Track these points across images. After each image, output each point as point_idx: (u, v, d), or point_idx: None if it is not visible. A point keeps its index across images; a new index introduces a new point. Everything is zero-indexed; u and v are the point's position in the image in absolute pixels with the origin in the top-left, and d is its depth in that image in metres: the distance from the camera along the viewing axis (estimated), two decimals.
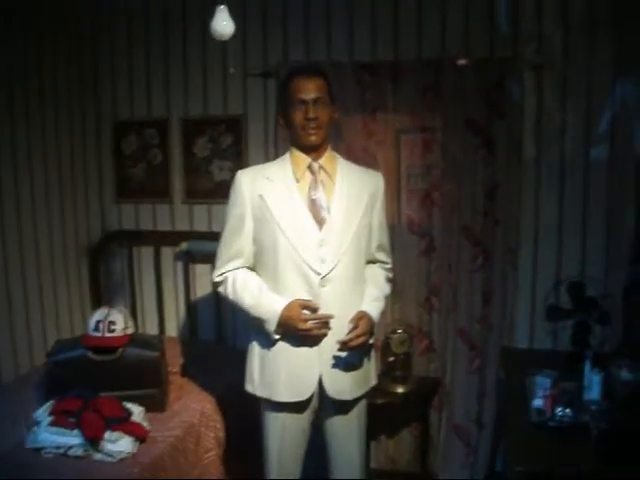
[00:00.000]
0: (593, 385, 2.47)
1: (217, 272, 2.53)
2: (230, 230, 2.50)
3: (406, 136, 3.58)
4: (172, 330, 4.02)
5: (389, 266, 2.70)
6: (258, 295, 2.45)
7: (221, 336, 3.93)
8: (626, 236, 3.16)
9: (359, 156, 3.40)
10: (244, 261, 2.52)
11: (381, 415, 3.33)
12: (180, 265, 3.97)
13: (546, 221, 3.45)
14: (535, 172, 3.44)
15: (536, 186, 3.45)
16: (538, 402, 2.40)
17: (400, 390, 3.47)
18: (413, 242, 3.59)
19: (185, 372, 3.34)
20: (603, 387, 2.47)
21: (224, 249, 2.51)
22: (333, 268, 2.41)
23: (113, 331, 2.91)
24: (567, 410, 2.35)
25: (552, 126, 3.40)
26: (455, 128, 3.45)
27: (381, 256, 2.65)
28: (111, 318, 2.94)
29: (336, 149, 2.63)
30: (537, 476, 2.13)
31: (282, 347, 2.44)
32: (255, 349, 2.52)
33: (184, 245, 3.86)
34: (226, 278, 2.51)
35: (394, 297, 3.51)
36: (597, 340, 2.84)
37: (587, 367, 2.50)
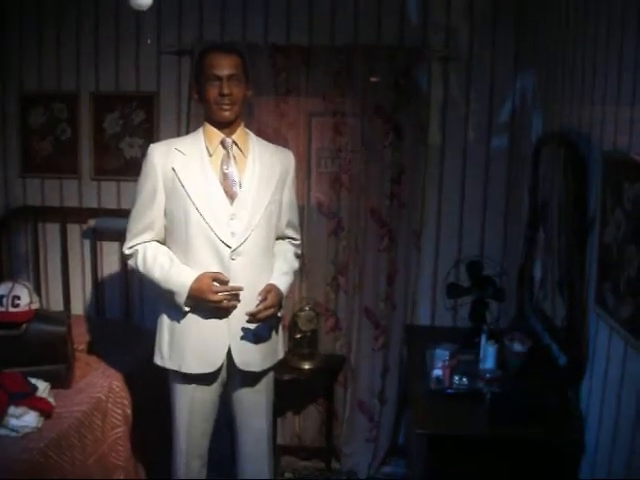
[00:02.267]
0: (488, 356, 2.64)
1: (127, 245, 2.52)
2: (141, 203, 2.50)
3: (317, 119, 3.66)
4: (79, 308, 3.94)
5: (298, 242, 2.76)
6: (168, 268, 2.46)
7: (128, 314, 3.89)
8: (522, 219, 3.35)
9: (271, 137, 3.41)
10: (155, 234, 2.52)
11: (288, 391, 3.42)
12: (87, 243, 3.90)
13: (448, 204, 3.61)
14: (439, 158, 3.60)
15: (440, 171, 3.61)
16: (437, 372, 2.54)
17: (307, 367, 3.56)
18: (322, 223, 3.67)
19: (92, 349, 3.30)
20: (497, 358, 2.64)
21: (135, 222, 2.51)
22: (243, 242, 2.45)
23: (17, 306, 2.84)
24: (464, 379, 2.50)
25: (456, 114, 3.56)
26: (365, 113, 3.55)
27: (290, 232, 2.72)
28: (15, 292, 2.87)
29: (248, 129, 2.66)
30: (437, 437, 2.26)
31: (191, 319, 2.47)
32: (164, 321, 2.53)
33: (92, 222, 3.80)
34: (136, 251, 2.51)
35: (302, 276, 3.60)
36: (493, 315, 3.01)
37: (483, 340, 2.67)
